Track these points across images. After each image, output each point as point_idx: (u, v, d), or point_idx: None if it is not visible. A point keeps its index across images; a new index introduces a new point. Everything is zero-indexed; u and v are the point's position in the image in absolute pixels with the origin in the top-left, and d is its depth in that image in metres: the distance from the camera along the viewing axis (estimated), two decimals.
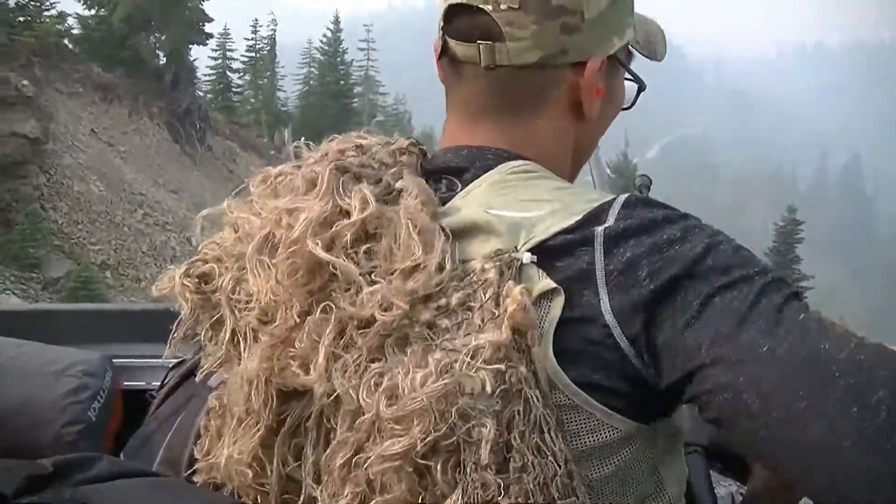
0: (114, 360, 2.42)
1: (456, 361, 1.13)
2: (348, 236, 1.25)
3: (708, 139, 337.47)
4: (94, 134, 31.71)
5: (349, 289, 1.23)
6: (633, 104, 1.71)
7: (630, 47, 1.59)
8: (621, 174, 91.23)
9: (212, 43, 47.51)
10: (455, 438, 1.11)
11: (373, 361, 1.17)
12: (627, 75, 1.62)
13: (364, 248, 1.26)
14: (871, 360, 1.11)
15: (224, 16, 56.96)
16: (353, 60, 73.25)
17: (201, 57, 48.45)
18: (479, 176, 1.40)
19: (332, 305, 1.22)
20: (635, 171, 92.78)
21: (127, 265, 29.14)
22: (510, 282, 1.20)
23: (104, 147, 31.87)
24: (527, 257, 1.24)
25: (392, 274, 1.22)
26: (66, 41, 36.83)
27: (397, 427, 1.11)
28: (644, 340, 1.19)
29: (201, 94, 46.22)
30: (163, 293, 1.40)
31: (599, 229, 1.24)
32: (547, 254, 1.25)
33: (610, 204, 1.28)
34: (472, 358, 1.13)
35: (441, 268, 1.22)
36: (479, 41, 1.40)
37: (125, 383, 2.45)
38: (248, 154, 46.96)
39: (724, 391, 1.13)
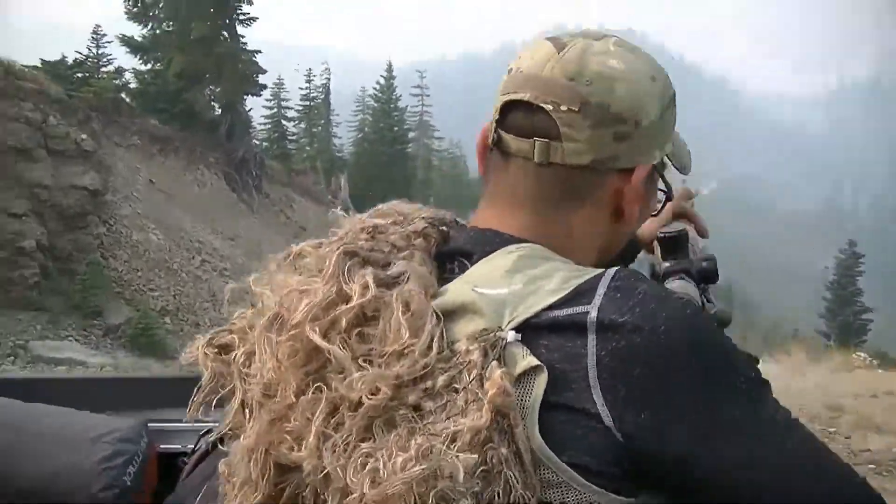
0: (150, 424, 2.46)
1: (435, 445, 1.16)
2: (343, 321, 1.30)
3: (763, 177, 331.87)
4: (152, 185, 31.97)
5: (342, 372, 1.27)
6: (659, 212, 1.77)
7: (666, 158, 1.62)
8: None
9: (266, 93, 47.85)
10: None
11: (362, 441, 1.21)
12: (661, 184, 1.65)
13: (358, 331, 1.30)
14: (842, 472, 1.29)
15: (278, 67, 57.55)
16: (407, 107, 73.31)
17: (256, 107, 48.84)
18: (482, 259, 1.43)
19: (325, 386, 1.27)
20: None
21: (186, 311, 29.17)
22: (494, 362, 1.22)
23: (162, 197, 32.14)
24: (511, 336, 1.25)
25: (383, 357, 1.26)
26: (123, 95, 37.32)
27: None
28: (638, 436, 1.20)
29: (257, 142, 46.45)
30: (189, 361, 1.46)
31: (592, 315, 1.24)
32: (532, 331, 1.26)
33: (598, 280, 1.30)
34: (451, 442, 1.16)
35: (427, 351, 1.25)
36: (535, 138, 1.43)
37: (161, 446, 2.47)
38: (304, 200, 47.24)
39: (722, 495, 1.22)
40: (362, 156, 68.35)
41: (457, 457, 1.15)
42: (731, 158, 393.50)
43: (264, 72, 41.79)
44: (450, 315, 1.32)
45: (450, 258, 1.47)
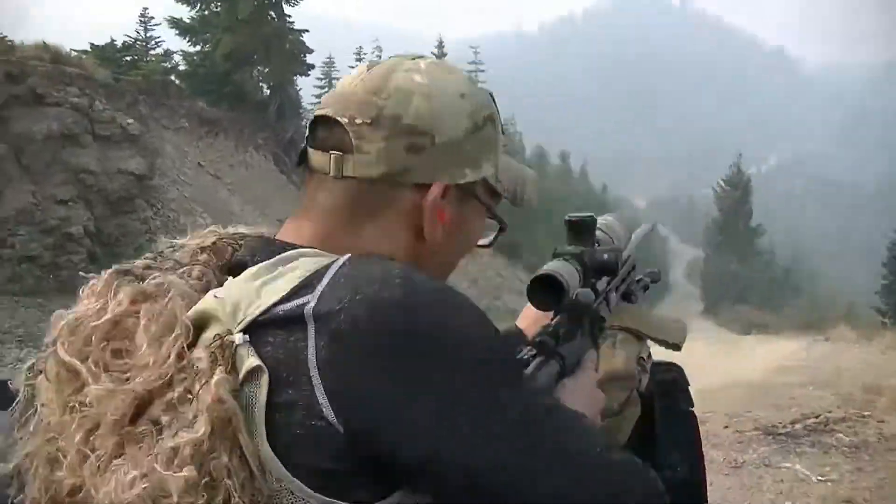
0: None
1: (158, 463, 1.17)
2: (95, 337, 1.30)
3: (825, 152, 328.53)
4: (200, 167, 32.20)
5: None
6: (492, 243, 1.72)
7: (490, 184, 1.58)
8: (735, 187, 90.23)
9: (317, 72, 48.03)
10: None
11: (116, 457, 1.21)
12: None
13: (112, 346, 1.30)
14: (624, 468, 1.32)
15: (327, 45, 57.64)
16: None
17: (306, 86, 49.00)
18: None
19: (78, 405, 1.26)
20: (749, 184, 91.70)
21: None
22: (219, 368, 1.22)
23: (210, 180, 32.36)
24: (239, 338, 1.24)
25: (130, 372, 1.27)
26: (172, 78, 37.61)
27: None
28: (362, 423, 1.19)
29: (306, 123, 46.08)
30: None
31: (310, 305, 1.24)
32: (261, 329, 1.25)
33: (325, 269, 1.30)
34: (171, 459, 1.17)
35: (164, 363, 1.25)
36: (331, 151, 1.44)
37: None
38: None
39: (457, 475, 1.21)
40: None
41: (175, 472, 1.16)
42: (789, 134, 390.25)
43: (311, 51, 41.99)
44: (198, 326, 1.31)
45: (239, 269, 1.43)
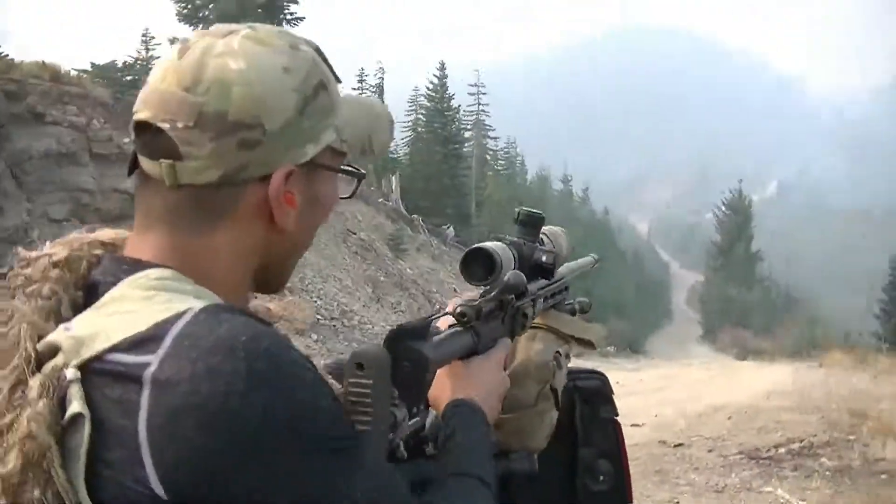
0: None
1: None
2: None
3: (826, 176, 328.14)
4: None
5: None
6: (353, 194, 1.63)
7: (340, 148, 1.51)
8: (736, 211, 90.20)
9: None
10: None
11: None
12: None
13: None
14: None
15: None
16: (459, 106, 73.00)
17: None
18: (107, 292, 1.33)
19: None
20: (749, 209, 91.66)
21: None
22: (41, 401, 1.18)
23: None
24: (70, 373, 1.19)
25: None
26: None
27: None
28: (190, 499, 1.15)
29: None
30: None
31: (152, 368, 1.16)
32: (97, 375, 1.20)
33: (172, 323, 1.21)
34: None
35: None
36: (161, 159, 1.33)
37: None
38: (355, 201, 46.91)
39: None
40: (416, 155, 68.42)
41: None
42: (790, 157, 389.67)
43: None
44: (45, 357, 1.25)
45: (95, 287, 1.36)
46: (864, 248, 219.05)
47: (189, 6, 39.75)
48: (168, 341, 1.18)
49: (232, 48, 1.36)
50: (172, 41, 37.99)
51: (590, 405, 2.22)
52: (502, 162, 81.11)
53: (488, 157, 77.17)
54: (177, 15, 39.73)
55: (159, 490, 1.13)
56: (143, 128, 1.35)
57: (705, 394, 19.35)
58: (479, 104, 76.71)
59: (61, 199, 22.95)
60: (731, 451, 11.69)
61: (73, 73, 27.42)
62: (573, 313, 2.27)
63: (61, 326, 1.27)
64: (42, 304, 1.31)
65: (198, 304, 1.25)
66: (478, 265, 1.81)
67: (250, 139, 1.33)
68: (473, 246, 1.83)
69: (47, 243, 1.41)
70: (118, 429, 1.15)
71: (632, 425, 13.01)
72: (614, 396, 2.27)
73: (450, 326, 1.74)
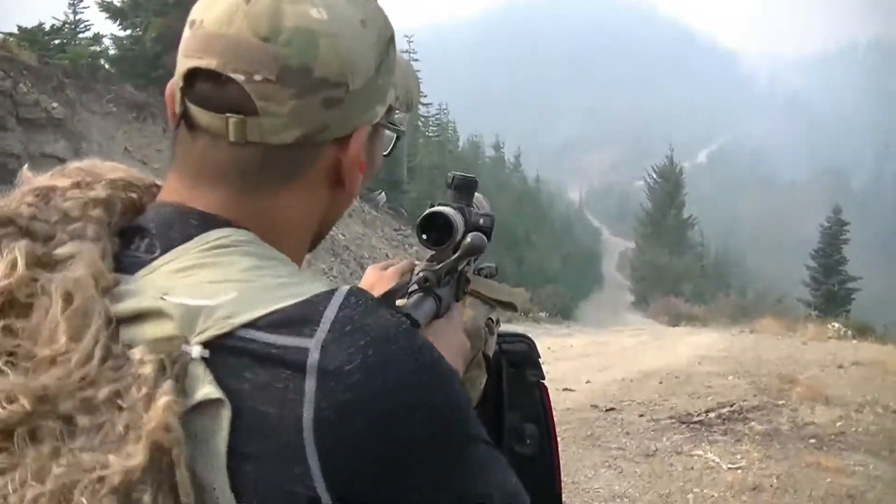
0: None
1: (78, 484, 0.98)
2: None
3: (759, 144, 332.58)
4: (127, 152, 31.60)
5: None
6: (391, 152, 1.57)
7: (393, 104, 1.44)
8: (667, 179, 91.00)
9: None
10: None
11: (0, 451, 1.01)
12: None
13: (3, 323, 1.07)
14: None
15: None
16: None
17: None
18: (175, 246, 1.19)
19: None
20: (681, 176, 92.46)
21: None
22: (168, 382, 1.02)
23: (138, 164, 31.69)
24: (196, 351, 1.05)
25: (32, 359, 1.05)
26: (102, 61, 37.09)
27: None
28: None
29: None
30: None
31: (315, 356, 1.04)
32: (228, 353, 1.06)
33: (322, 304, 1.11)
34: (97, 484, 0.98)
35: (87, 360, 1.04)
36: (227, 113, 1.20)
37: None
38: None
39: None
40: None
41: (103, 500, 0.97)
42: (725, 125, 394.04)
43: None
44: (128, 321, 1.09)
45: (136, 235, 1.23)
46: (795, 216, 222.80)
47: None
48: (325, 324, 1.08)
49: None
50: (101, 4, 37.63)
51: (516, 369, 2.17)
52: (434, 128, 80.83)
53: (420, 124, 77.02)
54: None
55: (321, 488, 1.02)
56: (202, 76, 1.21)
57: (637, 359, 19.50)
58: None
59: None
60: (662, 416, 11.79)
61: None
62: (488, 275, 2.23)
63: (151, 290, 1.12)
64: (94, 247, 1.16)
65: (339, 286, 1.15)
66: (434, 229, 1.78)
67: (334, 98, 1.24)
68: (430, 210, 1.80)
69: (48, 173, 1.28)
70: (266, 418, 1.03)
71: (563, 390, 13.10)
72: (542, 361, 2.22)
73: (411, 292, 1.70)
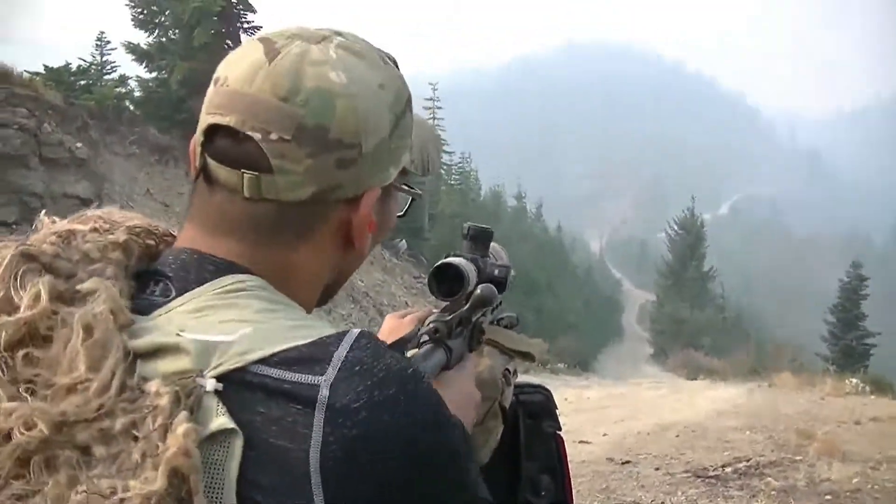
0: None
1: None
2: (3, 336, 1.09)
3: (779, 198, 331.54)
4: (149, 194, 31.82)
5: None
6: (406, 212, 1.63)
7: (408, 167, 1.47)
8: (688, 231, 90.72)
9: None
10: None
11: (15, 478, 1.03)
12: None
13: (24, 352, 1.09)
14: None
15: None
16: None
17: None
18: (191, 289, 1.22)
19: None
20: (702, 228, 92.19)
21: None
22: (183, 413, 1.05)
23: (159, 207, 31.84)
24: (210, 384, 1.08)
25: (51, 387, 1.07)
26: (127, 103, 37.31)
27: None
28: None
29: None
30: None
31: (324, 393, 1.08)
32: (241, 387, 1.09)
33: (333, 345, 1.14)
34: None
35: (105, 390, 1.06)
36: (243, 170, 1.25)
37: None
38: None
39: None
40: None
41: None
42: (745, 179, 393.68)
43: None
44: (145, 356, 1.12)
45: (152, 279, 1.26)
46: (814, 270, 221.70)
47: (145, 11, 39.47)
48: (336, 364, 1.11)
49: (330, 57, 1.29)
50: (127, 46, 37.91)
51: (533, 419, 2.17)
52: (456, 176, 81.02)
53: (443, 172, 77.19)
54: (132, 20, 39.40)
55: None
56: (222, 133, 1.26)
57: (654, 412, 19.40)
58: (435, 118, 76.73)
59: (9, 201, 22.70)
60: (679, 470, 11.71)
61: (25, 75, 27.05)
62: (507, 326, 2.23)
63: (169, 326, 1.16)
64: (114, 285, 1.19)
65: (350, 328, 1.18)
66: (446, 280, 1.79)
67: (348, 158, 1.28)
68: (442, 261, 1.81)
69: (67, 218, 1.31)
70: (276, 451, 1.06)
71: (579, 442, 13.02)
72: (559, 412, 2.23)
73: (422, 343, 1.70)
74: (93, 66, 37.10)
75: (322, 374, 1.09)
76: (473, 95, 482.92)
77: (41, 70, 32.33)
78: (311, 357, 1.11)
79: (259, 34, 1.37)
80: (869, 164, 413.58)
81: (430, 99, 76.95)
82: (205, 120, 1.28)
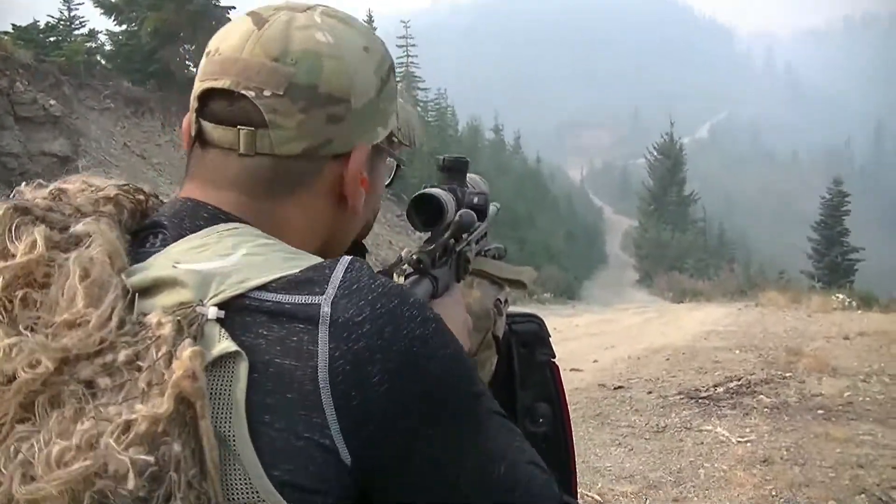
0: None
1: (103, 435, 0.99)
2: (1, 281, 1.09)
3: (759, 118, 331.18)
4: (126, 148, 31.71)
5: None
6: (392, 181, 1.69)
7: (392, 135, 1.52)
8: (667, 155, 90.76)
9: None
10: None
11: (20, 422, 1.02)
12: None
13: (22, 294, 1.09)
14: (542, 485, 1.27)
15: None
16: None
17: None
18: (186, 236, 1.25)
19: None
20: (682, 153, 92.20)
21: None
22: (187, 340, 1.05)
23: (137, 160, 31.74)
24: (212, 312, 1.09)
25: (51, 327, 1.07)
26: (98, 58, 37.04)
27: None
28: (366, 459, 1.10)
29: None
30: None
31: (326, 309, 1.11)
32: (243, 312, 1.11)
33: (329, 268, 1.17)
34: (123, 433, 0.99)
35: (106, 323, 1.07)
36: (238, 126, 1.31)
37: None
38: None
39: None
40: None
41: (130, 449, 0.97)
42: (723, 101, 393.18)
43: None
44: (143, 292, 1.14)
45: (149, 231, 1.29)
46: (795, 189, 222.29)
47: None
48: (334, 283, 1.15)
49: (315, 22, 1.36)
50: (95, 0, 37.45)
51: (527, 348, 2.17)
52: (433, 113, 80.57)
53: (419, 109, 76.95)
54: None
55: (337, 437, 1.08)
56: (216, 96, 1.33)
57: (643, 337, 19.55)
58: (409, 55, 76.28)
59: None
60: (671, 392, 11.82)
61: None
62: (495, 257, 2.25)
63: (166, 262, 1.18)
64: (109, 229, 1.21)
65: (344, 257, 1.21)
66: (424, 211, 1.80)
67: (337, 114, 1.34)
68: (420, 192, 1.81)
69: (53, 183, 1.31)
70: (283, 371, 1.08)
71: (571, 370, 13.13)
72: (551, 340, 2.22)
73: (407, 276, 1.72)
74: (61, 23, 36.70)
75: (322, 294, 1.13)
76: (451, 30, 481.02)
77: (9, 29, 32.05)
78: (309, 279, 1.15)
79: (247, 10, 1.42)
80: (848, 80, 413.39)
81: (403, 37, 76.43)
82: (198, 87, 1.35)
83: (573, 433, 2.20)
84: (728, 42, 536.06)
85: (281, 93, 1.29)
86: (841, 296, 29.03)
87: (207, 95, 1.34)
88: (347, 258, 1.20)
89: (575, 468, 2.18)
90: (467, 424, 1.19)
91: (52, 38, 34.70)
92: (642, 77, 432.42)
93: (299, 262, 1.20)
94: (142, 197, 1.37)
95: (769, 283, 42.27)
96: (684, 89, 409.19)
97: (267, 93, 1.29)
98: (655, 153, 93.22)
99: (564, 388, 2.20)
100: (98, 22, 39.13)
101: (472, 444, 1.19)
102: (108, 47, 39.24)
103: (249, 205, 1.34)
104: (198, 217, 1.29)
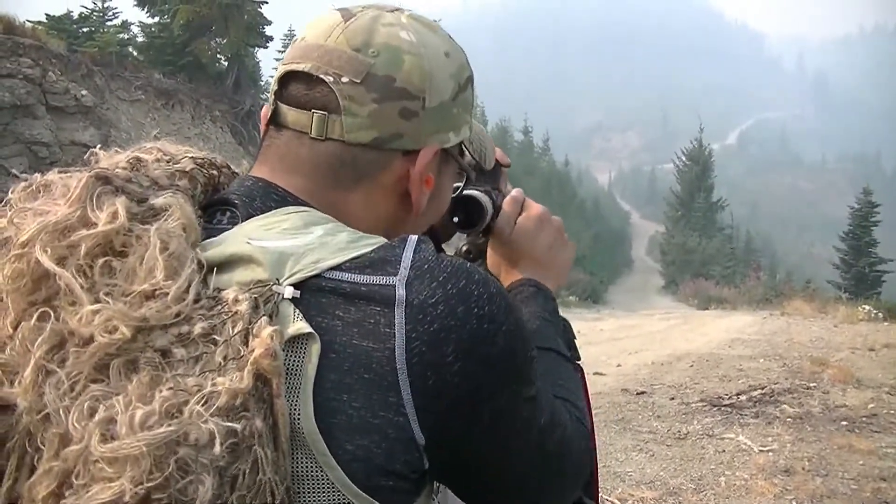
0: None
1: (186, 405, 1.01)
2: (83, 248, 1.11)
3: (788, 124, 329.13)
4: (156, 139, 31.61)
5: (75, 303, 1.09)
6: (457, 194, 1.74)
7: (464, 147, 1.55)
8: (696, 161, 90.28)
9: (277, 44, 47.25)
10: (169, 492, 0.97)
11: (93, 382, 1.04)
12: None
13: (102, 261, 1.12)
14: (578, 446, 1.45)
15: (289, 18, 57.10)
16: None
17: (265, 58, 48.45)
18: (256, 215, 1.29)
19: (51, 313, 1.08)
20: (710, 158, 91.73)
21: None
22: (264, 318, 1.09)
23: None
24: (289, 291, 1.13)
25: (129, 296, 1.09)
26: (130, 49, 37.12)
27: (108, 469, 0.98)
28: (437, 433, 1.15)
29: (266, 95, 45.59)
30: None
31: (401, 291, 1.15)
32: (318, 293, 1.15)
33: (399, 249, 1.21)
34: (204, 404, 1.01)
35: (184, 296, 1.10)
36: (313, 110, 1.35)
37: None
38: None
39: (494, 480, 1.31)
40: None
41: (210, 420, 1.01)
42: (753, 107, 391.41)
43: (270, 23, 41.11)
44: (218, 267, 1.19)
45: (218, 207, 1.35)
46: (823, 196, 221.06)
47: None
48: (406, 264, 1.19)
49: (402, 22, 1.40)
50: None
51: None
52: None
53: None
54: None
55: (412, 416, 1.13)
56: (295, 78, 1.38)
57: (667, 343, 19.48)
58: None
59: (17, 151, 22.68)
60: (694, 399, 11.78)
61: (28, 24, 26.93)
62: None
63: (240, 238, 1.24)
64: (186, 203, 1.26)
65: (411, 237, 1.25)
66: (464, 212, 1.83)
67: (410, 109, 1.37)
68: (463, 193, 1.83)
69: (126, 151, 1.38)
70: (361, 352, 1.12)
71: (594, 374, 13.11)
72: (576, 343, 2.22)
73: None
74: (94, 13, 36.80)
75: (395, 275, 1.17)
76: (481, 31, 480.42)
77: (43, 19, 32.18)
78: (381, 259, 1.19)
79: (338, 7, 1.45)
80: (878, 88, 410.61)
81: None
82: (281, 70, 1.40)
83: (595, 437, 2.21)
84: (758, 47, 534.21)
85: (358, 80, 1.33)
86: (867, 307, 28.78)
87: (288, 78, 1.39)
88: (414, 237, 1.24)
89: (597, 473, 2.20)
90: (526, 385, 1.26)
91: (84, 29, 34.88)
92: (672, 81, 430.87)
93: (368, 240, 1.23)
94: (214, 172, 1.44)
95: (795, 291, 41.98)
96: (714, 93, 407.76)
97: (345, 79, 1.33)
98: (684, 158, 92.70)
99: (589, 392, 2.21)
100: (131, 13, 39.44)
101: (526, 399, 1.26)
102: (140, 39, 39.29)
103: (315, 192, 1.37)
104: (268, 198, 1.34)
